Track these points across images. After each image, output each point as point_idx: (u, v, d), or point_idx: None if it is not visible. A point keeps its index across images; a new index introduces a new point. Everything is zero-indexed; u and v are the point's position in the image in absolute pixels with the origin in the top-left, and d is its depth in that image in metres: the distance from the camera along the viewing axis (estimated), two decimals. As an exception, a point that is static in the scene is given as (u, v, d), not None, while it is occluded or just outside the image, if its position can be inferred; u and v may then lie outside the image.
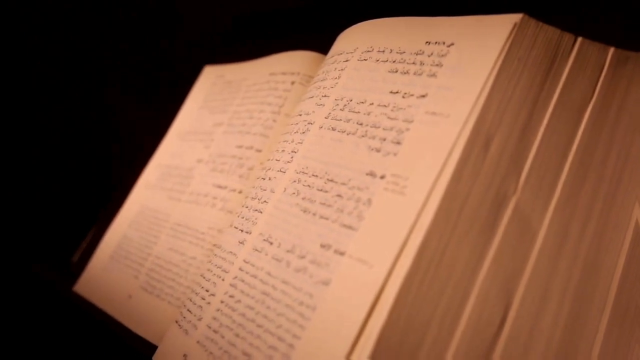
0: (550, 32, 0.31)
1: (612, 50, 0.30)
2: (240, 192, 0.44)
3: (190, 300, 0.37)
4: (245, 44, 0.65)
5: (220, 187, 0.45)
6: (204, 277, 0.37)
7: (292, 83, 0.47)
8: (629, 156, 0.30)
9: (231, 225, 0.39)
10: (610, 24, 0.33)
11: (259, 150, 0.45)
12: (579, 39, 0.31)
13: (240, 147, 0.46)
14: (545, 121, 0.29)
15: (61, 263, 0.58)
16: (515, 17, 0.31)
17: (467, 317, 0.26)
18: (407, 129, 0.32)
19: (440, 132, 0.30)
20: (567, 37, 0.31)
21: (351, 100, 0.36)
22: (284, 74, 0.48)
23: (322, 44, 0.50)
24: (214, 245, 0.39)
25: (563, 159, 0.29)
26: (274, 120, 0.46)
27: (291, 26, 0.60)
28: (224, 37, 0.69)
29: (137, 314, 0.44)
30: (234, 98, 0.52)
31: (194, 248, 0.43)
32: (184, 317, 0.36)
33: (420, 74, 0.33)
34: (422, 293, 0.27)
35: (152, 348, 0.41)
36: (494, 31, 0.31)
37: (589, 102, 0.30)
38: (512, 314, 0.26)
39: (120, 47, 0.72)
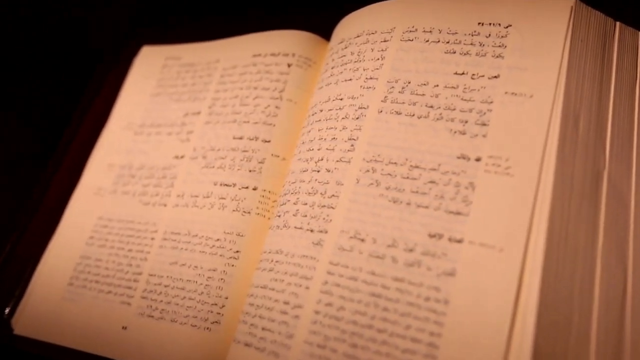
0: (597, 17, 0.33)
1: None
2: (255, 188, 0.39)
3: (260, 317, 0.31)
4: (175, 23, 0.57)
5: (225, 185, 0.39)
6: (272, 289, 0.32)
7: (289, 65, 0.43)
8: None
9: (282, 227, 0.34)
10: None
11: (266, 141, 0.40)
12: (618, 24, 0.34)
13: (239, 138, 0.41)
14: (611, 98, 0.32)
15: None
16: (570, 1, 0.33)
17: (598, 288, 0.28)
18: (490, 110, 0.31)
19: (529, 112, 0.31)
20: (609, 21, 0.34)
21: (409, 82, 0.34)
22: (274, 55, 0.43)
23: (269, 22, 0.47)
24: (271, 252, 0.34)
25: (631, 132, 0.32)
26: (277, 107, 0.41)
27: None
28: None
29: (141, 346, 0.36)
30: (206, 83, 0.45)
31: (210, 258, 0.37)
32: (261, 338, 0.31)
33: (483, 55, 0.33)
34: (560, 270, 0.27)
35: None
36: (554, 14, 0.33)
37: (636, 80, 0.33)
38: (630, 279, 0.29)
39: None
